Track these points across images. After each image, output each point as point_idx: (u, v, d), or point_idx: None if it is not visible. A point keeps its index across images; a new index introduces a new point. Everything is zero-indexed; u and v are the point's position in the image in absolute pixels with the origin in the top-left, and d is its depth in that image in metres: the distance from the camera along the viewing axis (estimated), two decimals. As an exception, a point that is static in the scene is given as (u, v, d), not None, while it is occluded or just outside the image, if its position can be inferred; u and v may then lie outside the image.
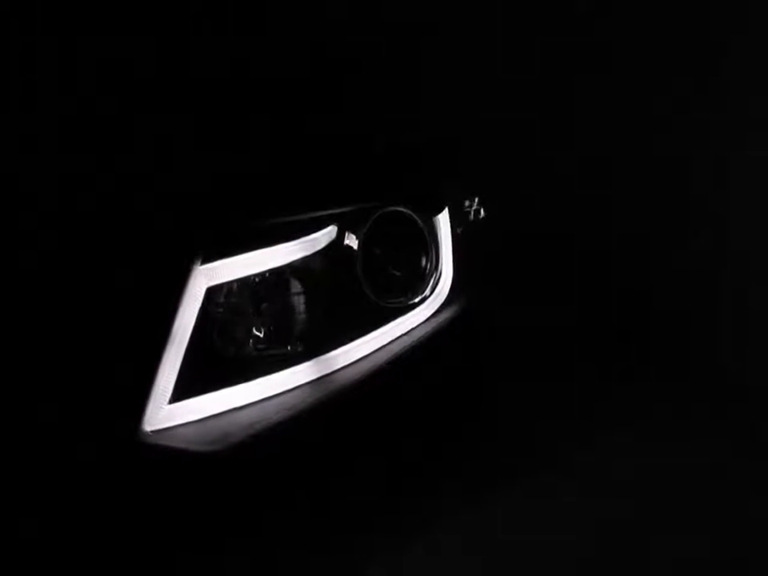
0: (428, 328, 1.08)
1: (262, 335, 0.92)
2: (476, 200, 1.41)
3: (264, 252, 0.90)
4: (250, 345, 0.91)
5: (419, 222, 1.09)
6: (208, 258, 0.85)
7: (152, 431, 0.80)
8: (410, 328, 1.07)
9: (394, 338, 1.05)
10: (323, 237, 0.98)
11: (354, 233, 1.03)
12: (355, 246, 1.02)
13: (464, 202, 1.38)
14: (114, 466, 0.77)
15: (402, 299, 1.08)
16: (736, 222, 1.66)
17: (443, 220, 1.23)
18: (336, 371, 0.96)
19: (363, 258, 1.03)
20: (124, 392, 0.79)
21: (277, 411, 0.86)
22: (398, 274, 1.10)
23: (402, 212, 1.07)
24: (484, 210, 1.41)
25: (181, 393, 0.83)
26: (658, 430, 1.36)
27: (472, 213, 1.40)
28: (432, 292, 1.14)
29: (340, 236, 1.02)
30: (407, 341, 1.04)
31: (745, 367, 1.54)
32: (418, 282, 1.10)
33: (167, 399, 0.82)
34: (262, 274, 0.92)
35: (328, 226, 1.00)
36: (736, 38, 1.63)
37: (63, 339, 0.76)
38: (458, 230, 1.37)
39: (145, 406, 0.80)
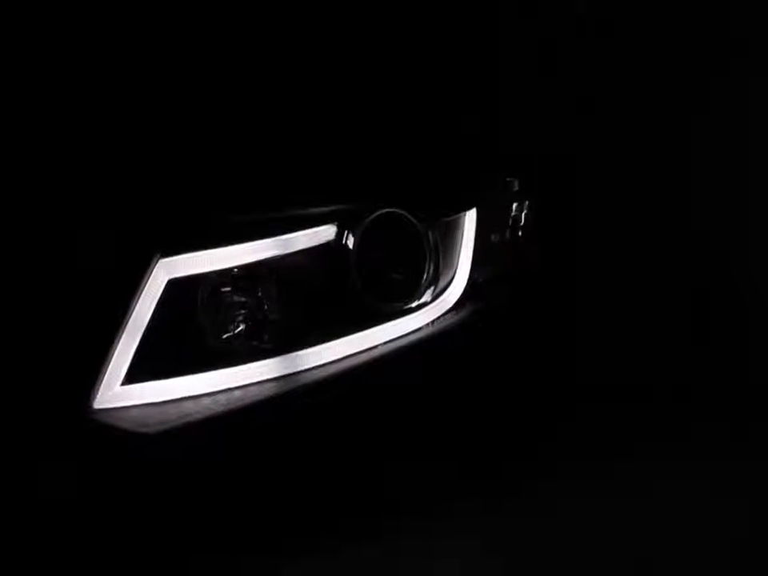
0: (417, 336, 1.06)
1: (228, 329, 0.96)
2: (526, 203, 1.34)
3: (231, 249, 0.93)
4: (214, 337, 0.95)
5: (417, 225, 1.06)
6: (170, 252, 0.90)
7: (99, 408, 0.88)
8: (399, 334, 1.06)
9: (378, 342, 1.04)
10: (307, 235, 0.99)
11: (351, 233, 1.03)
12: (351, 246, 1.03)
13: (510, 205, 1.32)
14: (61, 437, 0.85)
15: (396, 304, 1.07)
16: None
17: (467, 224, 1.19)
18: (304, 370, 0.98)
19: (358, 259, 1.03)
20: (76, 370, 0.87)
21: (223, 403, 0.90)
22: (398, 277, 1.08)
23: (400, 214, 1.05)
24: (535, 215, 1.33)
25: (134, 377, 0.89)
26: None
27: (522, 218, 1.33)
28: (435, 299, 1.11)
29: (337, 235, 1.02)
30: (389, 347, 1.03)
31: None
32: (414, 287, 1.08)
33: (120, 381, 0.89)
34: (231, 270, 0.95)
35: (318, 224, 1.02)
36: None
37: (23, 317, 0.85)
38: (505, 236, 1.33)
39: (94, 384, 0.87)
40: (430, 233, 1.08)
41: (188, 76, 1.01)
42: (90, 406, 0.87)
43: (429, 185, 1.13)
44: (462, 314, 1.10)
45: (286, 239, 0.98)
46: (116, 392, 0.89)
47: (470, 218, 1.20)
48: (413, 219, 1.05)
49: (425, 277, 1.07)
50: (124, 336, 0.88)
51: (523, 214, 1.32)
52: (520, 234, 1.31)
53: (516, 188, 1.31)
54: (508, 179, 1.29)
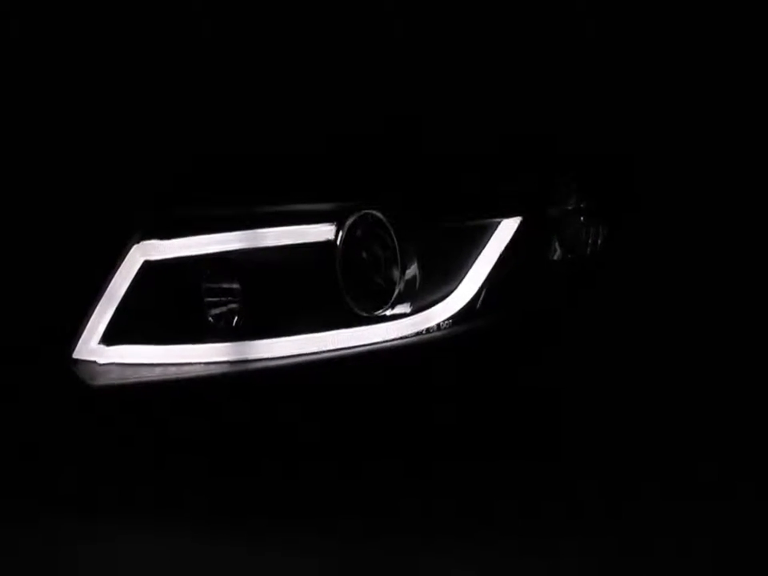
0: (378, 347, 1.01)
1: (194, 310, 1.05)
2: (603, 222, 1.14)
3: (208, 237, 1.02)
4: (180, 316, 1.05)
5: (390, 229, 1.00)
6: (146, 236, 1.03)
7: (75, 359, 1.05)
8: (360, 342, 1.03)
9: (339, 346, 1.03)
10: (288, 231, 1.03)
11: (339, 232, 1.03)
12: (338, 245, 1.03)
13: (578, 219, 1.13)
14: (49, 375, 1.06)
15: (370, 310, 1.03)
16: None
17: (496, 234, 1.08)
18: (250, 360, 1.03)
19: (344, 259, 1.03)
20: (66, 326, 1.06)
21: (157, 375, 1.01)
22: (380, 283, 1.04)
23: (379, 217, 1.01)
24: (607, 235, 1.13)
25: (107, 339, 1.05)
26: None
27: (590, 235, 1.14)
28: (416, 312, 1.04)
29: (323, 233, 1.04)
30: (342, 354, 1.01)
31: None
32: (387, 296, 1.03)
33: (97, 340, 1.06)
34: (207, 257, 1.04)
35: (303, 221, 1.04)
36: None
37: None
38: (568, 256, 1.16)
39: (73, 339, 1.05)
40: (413, 239, 1.02)
41: (182, 72, 1.11)
42: (71, 356, 1.06)
43: (432, 185, 1.05)
44: (437, 335, 1.02)
45: (264, 233, 1.03)
46: (92, 348, 1.06)
47: (503, 229, 1.08)
48: (386, 223, 1.01)
49: (396, 286, 1.03)
50: (101, 304, 1.05)
51: (593, 232, 1.14)
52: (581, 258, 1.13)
53: (580, 199, 1.13)
54: (567, 185, 1.12)
